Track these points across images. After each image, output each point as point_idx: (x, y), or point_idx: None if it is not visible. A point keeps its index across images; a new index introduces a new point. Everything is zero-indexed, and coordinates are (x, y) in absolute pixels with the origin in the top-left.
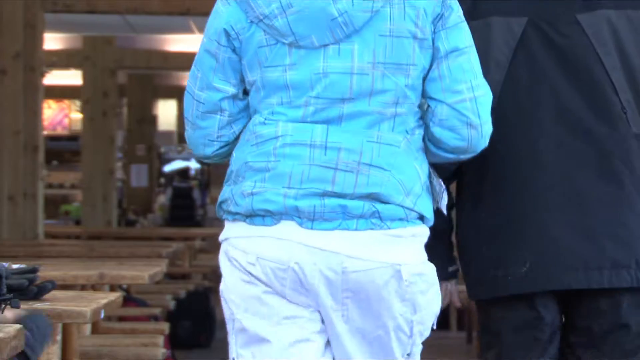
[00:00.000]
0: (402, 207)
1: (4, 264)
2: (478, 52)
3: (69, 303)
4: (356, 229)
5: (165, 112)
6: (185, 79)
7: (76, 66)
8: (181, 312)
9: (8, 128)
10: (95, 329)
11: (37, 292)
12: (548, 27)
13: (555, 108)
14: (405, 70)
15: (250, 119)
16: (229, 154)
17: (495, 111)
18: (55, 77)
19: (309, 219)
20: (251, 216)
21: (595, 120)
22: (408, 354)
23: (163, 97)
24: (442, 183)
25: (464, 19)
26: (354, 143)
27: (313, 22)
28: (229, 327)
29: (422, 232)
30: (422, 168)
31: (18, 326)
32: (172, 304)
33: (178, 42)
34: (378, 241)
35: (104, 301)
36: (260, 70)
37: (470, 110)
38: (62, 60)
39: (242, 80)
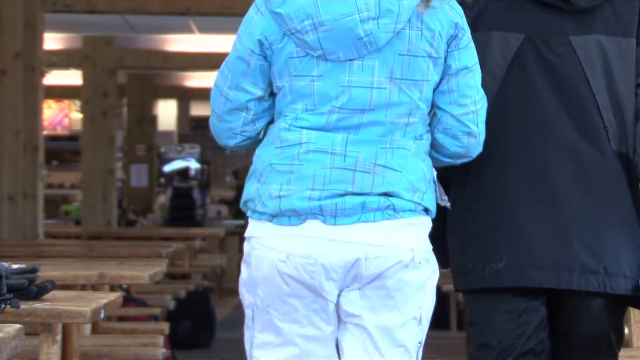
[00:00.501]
0: (412, 201)
1: (4, 264)
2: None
3: (69, 303)
4: (374, 221)
5: (165, 112)
6: (185, 78)
7: (76, 66)
8: (181, 312)
9: (8, 128)
10: (95, 329)
11: (37, 292)
12: (542, 45)
13: (542, 121)
14: (419, 86)
15: (274, 119)
16: (248, 146)
17: (488, 116)
18: (55, 77)
19: (331, 215)
20: (278, 216)
21: (578, 136)
22: (419, 342)
23: (163, 97)
24: (444, 192)
25: (471, 39)
26: (370, 148)
27: (341, 40)
28: (248, 312)
29: (428, 222)
30: (427, 169)
31: (18, 326)
32: (172, 304)
33: (178, 42)
34: (394, 229)
35: (104, 301)
36: (290, 78)
37: (472, 122)
38: (62, 60)
39: (270, 84)
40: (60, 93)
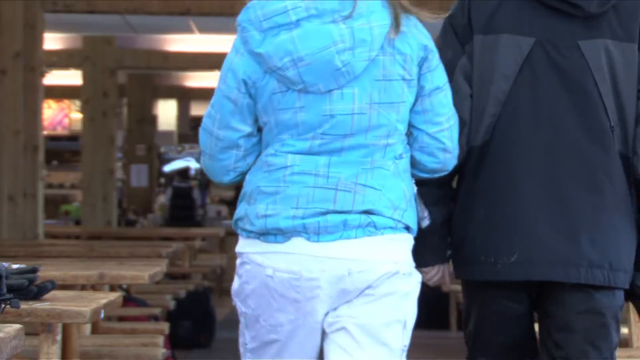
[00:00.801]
0: (392, 219)
1: (4, 264)
2: (487, 63)
3: (69, 303)
4: (356, 237)
5: (165, 112)
6: (185, 78)
7: (76, 66)
8: (181, 312)
9: (8, 128)
10: (95, 329)
11: (37, 292)
12: (552, 49)
13: (551, 121)
14: (396, 108)
15: (262, 150)
16: (242, 180)
17: (497, 117)
18: (55, 77)
19: (315, 233)
20: (264, 234)
21: (585, 136)
22: (404, 347)
23: (163, 97)
24: (425, 208)
25: (440, 61)
26: (351, 168)
27: (321, 72)
28: (241, 319)
29: (410, 239)
30: (407, 187)
31: (18, 326)
32: (172, 304)
33: (178, 42)
34: (376, 244)
35: (104, 301)
36: (274, 112)
37: (447, 138)
38: (62, 60)
39: (257, 120)
40: (60, 93)
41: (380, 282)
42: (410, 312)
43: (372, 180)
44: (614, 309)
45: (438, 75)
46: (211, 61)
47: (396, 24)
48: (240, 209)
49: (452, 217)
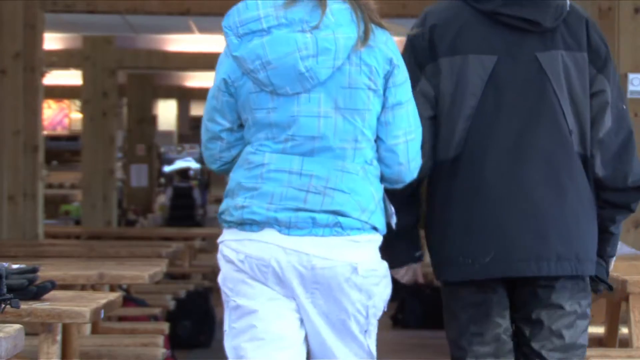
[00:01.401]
0: (359, 220)
1: (4, 264)
2: (457, 82)
3: (69, 303)
4: (322, 235)
5: (165, 112)
6: (185, 78)
7: (76, 66)
8: (181, 312)
9: (8, 128)
10: (95, 329)
11: (37, 292)
12: (513, 64)
13: (516, 129)
14: (362, 114)
15: (245, 147)
16: (229, 170)
17: (468, 130)
18: (55, 77)
19: (286, 227)
20: (242, 224)
21: (548, 140)
22: (365, 331)
23: (163, 97)
24: (393, 207)
25: (407, 76)
26: (322, 172)
27: (286, 76)
28: (225, 307)
29: (376, 239)
30: (376, 191)
31: (18, 326)
32: (172, 304)
33: (178, 42)
34: (340, 245)
35: (104, 301)
36: (250, 112)
37: (402, 152)
38: (62, 60)
39: (239, 117)
40: (60, 93)
41: (339, 282)
42: (372, 304)
43: (342, 184)
44: (579, 298)
45: (402, 91)
46: (211, 61)
47: (364, 37)
48: (224, 204)
49: (428, 221)
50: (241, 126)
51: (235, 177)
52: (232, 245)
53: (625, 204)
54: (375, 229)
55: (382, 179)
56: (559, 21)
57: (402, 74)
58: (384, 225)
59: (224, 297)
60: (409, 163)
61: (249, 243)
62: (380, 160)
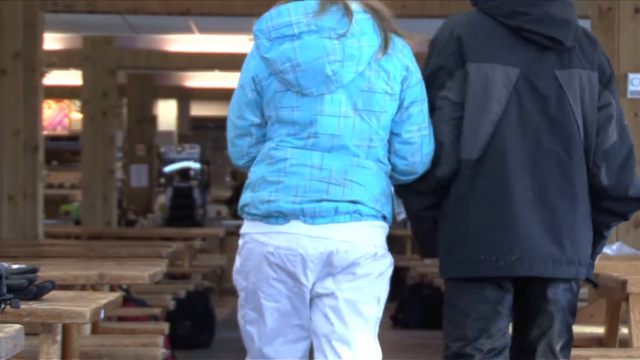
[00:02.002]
0: (374, 209)
1: (4, 264)
2: (484, 88)
3: (69, 303)
4: (344, 222)
5: (165, 112)
6: (185, 78)
7: (76, 66)
8: (181, 312)
9: (8, 128)
10: (95, 329)
11: (37, 292)
12: (534, 78)
13: (535, 139)
14: (377, 115)
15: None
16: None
17: (491, 136)
18: (55, 77)
19: (311, 217)
20: (267, 217)
21: (562, 151)
22: (377, 318)
23: (163, 97)
24: (401, 205)
25: (421, 78)
26: (341, 166)
27: (313, 78)
28: (241, 294)
29: (385, 227)
30: (387, 186)
31: (18, 326)
32: (172, 304)
33: (178, 42)
34: (360, 228)
35: (104, 301)
36: (275, 109)
37: (417, 145)
38: (62, 60)
39: (263, 114)
40: (60, 93)
41: (362, 262)
42: (383, 290)
43: (359, 178)
44: (573, 298)
45: (416, 91)
46: (211, 61)
47: (385, 46)
48: (246, 196)
49: (445, 222)
50: (266, 122)
51: (258, 171)
52: (259, 238)
53: (624, 212)
54: (384, 218)
55: (396, 171)
56: (576, 41)
57: (415, 78)
58: (392, 216)
59: (241, 284)
60: (423, 156)
61: (277, 235)
62: (395, 153)
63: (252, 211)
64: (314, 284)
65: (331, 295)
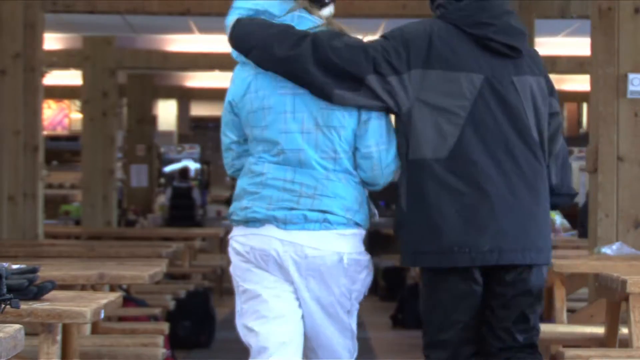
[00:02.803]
0: (344, 217)
1: (4, 264)
2: (449, 94)
3: (69, 303)
4: (314, 229)
5: (165, 112)
6: (185, 78)
7: (76, 66)
8: (181, 312)
9: (8, 128)
10: (95, 329)
11: (37, 292)
12: (496, 83)
13: (501, 141)
14: (338, 130)
15: (248, 157)
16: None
17: (458, 138)
18: (55, 77)
19: (283, 222)
20: (246, 222)
21: (525, 151)
22: (348, 311)
23: (163, 97)
24: (374, 208)
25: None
26: (311, 181)
27: (275, 97)
28: (235, 292)
29: (359, 233)
30: (359, 193)
31: (18, 326)
32: (172, 304)
33: (178, 42)
34: (328, 237)
35: (104, 301)
36: (250, 128)
37: (376, 158)
38: (62, 60)
39: (244, 132)
40: (60, 93)
41: (328, 267)
42: (356, 288)
43: (328, 191)
44: (541, 284)
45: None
46: (211, 61)
47: None
48: (232, 206)
49: (405, 216)
50: (246, 140)
51: (241, 184)
52: (239, 239)
53: (558, 204)
54: (358, 224)
55: (363, 181)
56: (526, 50)
57: None
58: (367, 222)
59: (234, 283)
60: (382, 169)
61: (253, 237)
62: (358, 166)
63: (234, 218)
64: (291, 283)
65: (304, 294)
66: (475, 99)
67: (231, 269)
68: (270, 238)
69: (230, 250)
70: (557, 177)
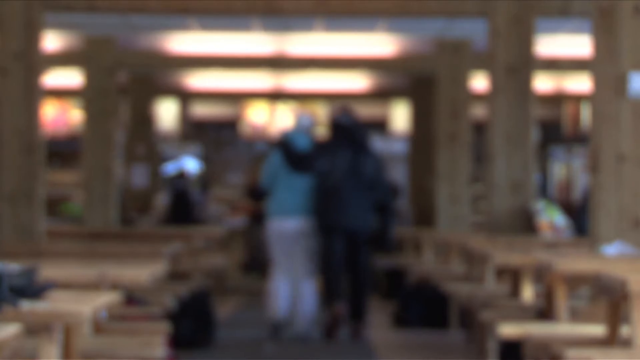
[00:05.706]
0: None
1: (4, 264)
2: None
3: (69, 303)
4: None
5: (165, 112)
6: (186, 78)
7: (76, 66)
8: (182, 312)
9: (8, 128)
10: (95, 329)
11: (37, 292)
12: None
13: (354, 179)
14: None
15: None
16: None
17: (333, 179)
18: (55, 77)
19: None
20: (275, 215)
21: (358, 184)
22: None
23: (163, 97)
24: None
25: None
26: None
27: None
28: (271, 246)
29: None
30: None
31: (18, 326)
32: (172, 304)
33: (178, 42)
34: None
35: (104, 301)
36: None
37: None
38: (62, 60)
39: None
40: (60, 93)
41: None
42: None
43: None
44: (365, 243)
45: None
46: (211, 61)
47: None
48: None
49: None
50: None
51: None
52: (272, 225)
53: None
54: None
55: None
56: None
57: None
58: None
59: (271, 244)
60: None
61: (276, 223)
62: None
63: (269, 214)
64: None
65: None
66: (332, 166)
67: (269, 239)
68: (285, 224)
69: (267, 229)
70: (382, 196)
